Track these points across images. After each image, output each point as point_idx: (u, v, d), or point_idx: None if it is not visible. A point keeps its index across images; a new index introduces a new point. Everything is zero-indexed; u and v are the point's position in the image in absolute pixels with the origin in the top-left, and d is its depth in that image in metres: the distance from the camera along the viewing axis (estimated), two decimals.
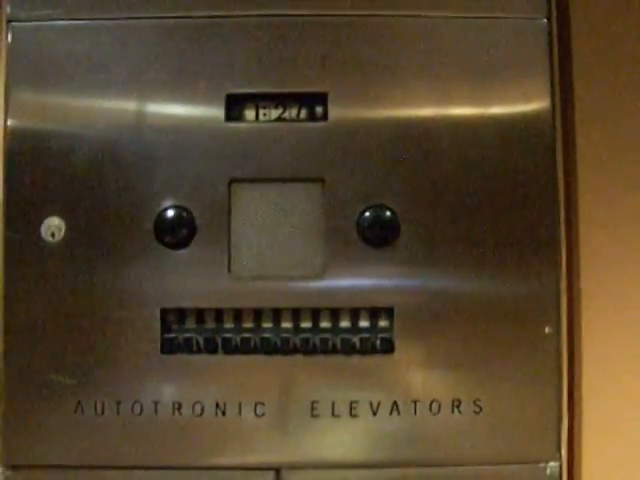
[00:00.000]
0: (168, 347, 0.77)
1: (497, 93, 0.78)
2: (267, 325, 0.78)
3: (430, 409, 0.77)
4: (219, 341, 0.77)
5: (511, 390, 0.77)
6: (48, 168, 0.77)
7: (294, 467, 0.77)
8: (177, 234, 0.76)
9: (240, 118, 0.78)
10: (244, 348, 0.77)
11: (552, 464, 0.78)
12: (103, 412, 0.77)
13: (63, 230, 0.77)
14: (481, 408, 0.77)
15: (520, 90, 0.78)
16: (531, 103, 0.78)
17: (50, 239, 0.77)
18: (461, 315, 0.77)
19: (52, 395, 0.77)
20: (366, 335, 0.77)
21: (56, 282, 0.77)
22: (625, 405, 0.78)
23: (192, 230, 0.76)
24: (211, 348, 0.77)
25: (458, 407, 0.77)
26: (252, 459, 0.77)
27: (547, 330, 0.77)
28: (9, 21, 0.79)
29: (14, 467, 0.78)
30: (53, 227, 0.77)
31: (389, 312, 0.77)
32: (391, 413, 0.77)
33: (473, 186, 0.77)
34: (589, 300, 0.78)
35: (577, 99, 0.79)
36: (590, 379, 0.78)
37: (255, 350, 0.77)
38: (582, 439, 0.78)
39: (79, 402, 0.77)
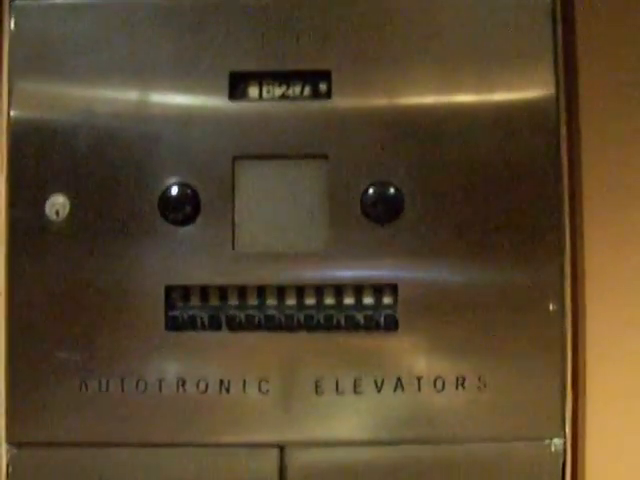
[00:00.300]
0: (172, 324, 0.77)
1: (499, 75, 0.78)
2: (271, 302, 0.77)
3: (434, 386, 0.77)
4: (223, 318, 0.77)
5: (515, 367, 0.77)
6: (52, 146, 0.78)
7: (299, 445, 0.77)
8: (181, 211, 0.76)
9: (243, 96, 0.78)
10: (248, 325, 0.77)
11: (556, 441, 0.78)
12: (107, 389, 0.77)
13: (68, 208, 0.77)
14: (485, 385, 0.77)
15: (523, 73, 0.78)
16: (535, 87, 0.78)
17: (54, 217, 0.77)
18: (465, 292, 0.77)
19: (56, 372, 0.77)
20: (370, 312, 0.77)
21: (61, 260, 0.77)
22: (630, 382, 0.78)
23: (196, 207, 0.76)
24: (215, 325, 0.77)
25: (462, 384, 0.77)
26: (256, 437, 0.77)
27: (551, 307, 0.77)
28: (12, 0, 0.79)
29: (19, 445, 0.78)
30: (58, 205, 0.77)
31: (393, 289, 0.77)
32: (395, 390, 0.76)
33: (477, 164, 0.77)
34: (593, 277, 0.78)
35: (581, 83, 0.79)
36: (594, 356, 0.78)
37: (259, 327, 0.77)
38: (586, 416, 0.78)
39: (83, 379, 0.77)
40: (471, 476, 0.78)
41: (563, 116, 0.79)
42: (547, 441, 0.78)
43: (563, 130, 0.79)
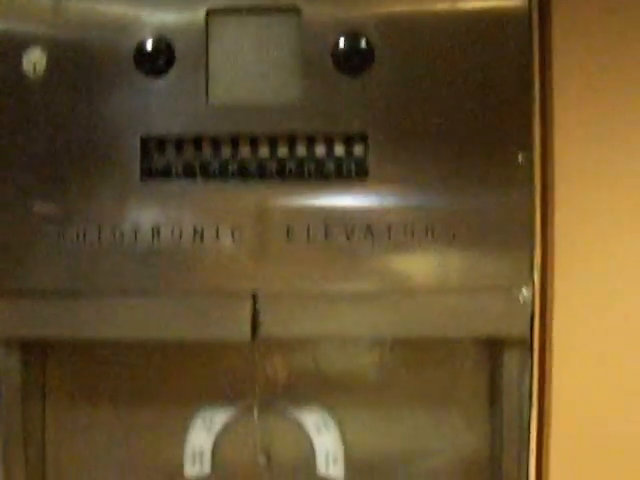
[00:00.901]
0: (147, 174, 0.78)
1: None
2: (244, 152, 0.79)
3: (404, 234, 0.78)
4: (197, 167, 0.79)
5: (485, 217, 0.78)
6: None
7: (271, 292, 0.78)
8: (156, 63, 0.78)
9: None
10: (222, 174, 0.78)
11: (524, 290, 0.79)
12: (85, 239, 0.78)
13: (44, 62, 0.78)
14: (454, 234, 0.78)
15: None
16: None
17: (31, 72, 0.78)
18: (434, 141, 0.78)
19: (36, 222, 0.79)
20: (341, 161, 0.78)
21: (38, 115, 0.79)
22: (598, 230, 0.79)
23: (171, 59, 0.78)
24: (189, 174, 0.78)
25: (432, 233, 0.78)
26: (230, 285, 0.79)
27: (520, 159, 0.78)
28: None
29: (1, 296, 0.79)
30: (34, 59, 0.78)
31: (363, 139, 0.78)
32: (365, 237, 0.78)
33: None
34: (562, 127, 0.79)
35: None
36: (563, 205, 0.79)
37: (232, 176, 0.78)
38: (555, 266, 0.79)
39: (61, 229, 0.79)
40: (440, 325, 0.79)
41: (536, 25, 0.79)
42: (515, 290, 0.79)
43: (535, 39, 0.79)
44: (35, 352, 0.85)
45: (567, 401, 0.80)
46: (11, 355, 0.82)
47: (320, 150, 0.79)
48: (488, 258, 0.79)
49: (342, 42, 0.78)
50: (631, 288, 0.79)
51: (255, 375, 0.85)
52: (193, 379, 0.86)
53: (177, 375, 0.86)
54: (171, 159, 0.79)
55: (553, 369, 0.80)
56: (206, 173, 0.78)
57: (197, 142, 0.79)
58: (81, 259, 0.79)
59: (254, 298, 0.78)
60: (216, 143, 0.79)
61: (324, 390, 0.87)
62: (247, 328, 0.78)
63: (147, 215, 0.79)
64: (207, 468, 0.86)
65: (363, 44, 0.77)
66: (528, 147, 0.78)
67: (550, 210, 0.79)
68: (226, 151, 0.79)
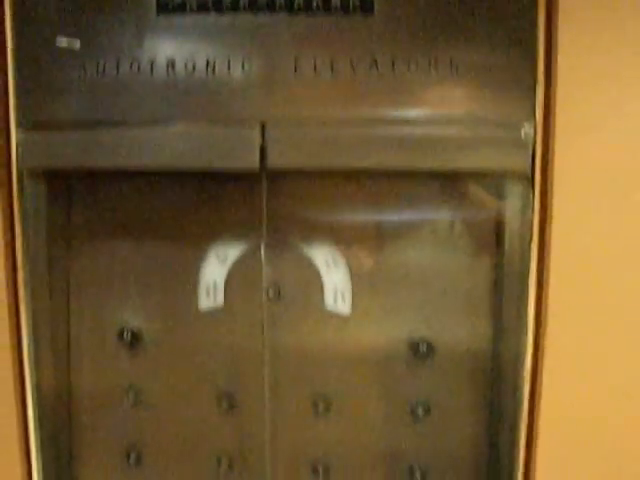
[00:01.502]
0: (163, 8, 0.82)
1: None
2: None
3: (408, 67, 0.80)
4: (210, 2, 0.82)
5: (488, 52, 0.80)
6: None
7: (278, 121, 0.81)
8: None
9: None
10: (233, 8, 0.81)
11: (527, 126, 0.80)
12: (104, 72, 0.83)
13: None
14: (457, 68, 0.80)
15: None
16: None
17: None
18: None
19: (58, 58, 0.83)
20: None
21: None
22: (601, 68, 0.80)
23: None
24: (203, 9, 0.82)
25: (435, 66, 0.80)
26: (240, 114, 0.82)
27: None
28: None
29: (26, 128, 0.85)
30: None
31: None
32: (370, 70, 0.80)
33: None
34: None
35: None
36: (567, 43, 0.80)
37: (243, 10, 0.81)
38: (557, 102, 0.80)
39: (82, 63, 0.83)
40: (441, 157, 0.82)
41: None
42: (517, 126, 0.80)
43: None
44: (59, 184, 0.89)
45: (567, 237, 0.81)
46: (37, 186, 0.87)
47: None
48: (491, 93, 0.80)
49: None
50: (633, 124, 0.80)
51: (264, 210, 0.88)
52: (209, 215, 0.90)
53: (193, 211, 0.90)
54: None
55: (554, 205, 0.81)
56: (219, 7, 0.81)
57: None
58: (101, 91, 0.83)
59: (262, 127, 0.81)
60: None
61: (334, 227, 0.90)
62: (256, 157, 0.81)
63: (163, 48, 0.82)
64: (220, 300, 0.91)
65: None
66: None
67: (554, 47, 0.80)
68: None
